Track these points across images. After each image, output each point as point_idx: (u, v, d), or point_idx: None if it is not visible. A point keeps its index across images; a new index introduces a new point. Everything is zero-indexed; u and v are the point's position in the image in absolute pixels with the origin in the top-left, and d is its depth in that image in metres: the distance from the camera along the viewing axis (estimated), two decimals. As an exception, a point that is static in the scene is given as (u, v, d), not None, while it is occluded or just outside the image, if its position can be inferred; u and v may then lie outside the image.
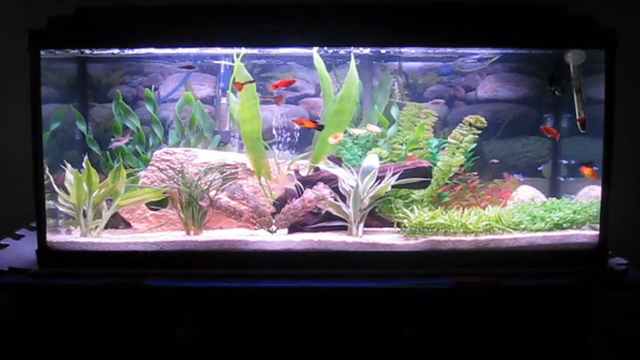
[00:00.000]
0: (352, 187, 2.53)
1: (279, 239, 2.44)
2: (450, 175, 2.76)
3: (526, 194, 2.86)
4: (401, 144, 2.89)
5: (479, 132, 2.75)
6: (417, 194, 2.77)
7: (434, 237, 2.43)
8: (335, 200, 2.53)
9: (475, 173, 2.79)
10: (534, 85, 3.09)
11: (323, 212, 2.59)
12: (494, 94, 3.15)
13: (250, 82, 2.61)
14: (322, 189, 2.54)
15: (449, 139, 2.78)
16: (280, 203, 2.63)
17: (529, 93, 3.12)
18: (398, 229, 2.57)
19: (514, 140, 3.12)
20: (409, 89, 3.10)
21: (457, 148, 2.77)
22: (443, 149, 2.84)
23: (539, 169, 3.09)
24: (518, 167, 3.08)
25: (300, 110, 3.14)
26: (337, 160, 2.71)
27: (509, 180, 2.90)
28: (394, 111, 2.95)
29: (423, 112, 2.94)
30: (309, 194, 2.53)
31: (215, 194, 2.56)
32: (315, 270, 2.34)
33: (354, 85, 2.73)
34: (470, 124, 2.76)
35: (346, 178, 2.57)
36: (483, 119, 2.74)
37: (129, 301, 2.32)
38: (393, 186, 2.55)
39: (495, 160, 3.05)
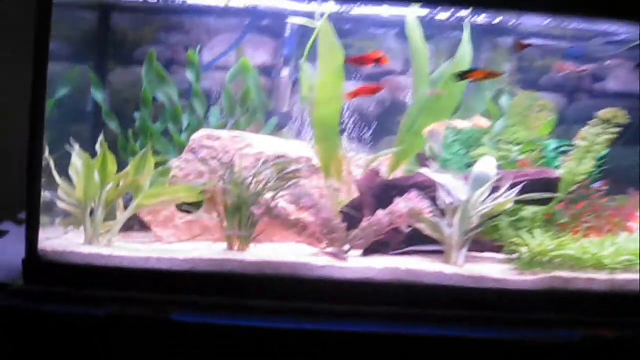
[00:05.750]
0: (456, 200, 2.21)
1: (355, 264, 2.14)
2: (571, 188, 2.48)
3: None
4: (510, 144, 2.58)
5: (619, 130, 2.44)
6: (528, 210, 2.42)
7: (559, 273, 2.12)
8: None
9: (604, 185, 2.48)
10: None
11: (409, 229, 2.29)
12: (629, 88, 2.89)
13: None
14: (418, 201, 2.20)
15: (577, 141, 2.45)
16: (349, 213, 2.31)
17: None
18: (505, 256, 2.26)
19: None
20: (523, 73, 2.86)
21: (587, 152, 2.45)
22: (563, 153, 2.52)
23: None
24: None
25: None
26: (426, 159, 2.50)
27: (635, 198, 2.59)
28: (503, 101, 2.68)
29: (538, 105, 2.63)
30: (400, 205, 2.18)
31: (273, 198, 2.25)
32: (401, 308, 2.05)
33: (466, 62, 2.48)
34: (606, 121, 2.45)
35: (455, 188, 2.23)
36: (624, 114, 2.45)
37: (145, 340, 1.98)
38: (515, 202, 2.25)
39: None
